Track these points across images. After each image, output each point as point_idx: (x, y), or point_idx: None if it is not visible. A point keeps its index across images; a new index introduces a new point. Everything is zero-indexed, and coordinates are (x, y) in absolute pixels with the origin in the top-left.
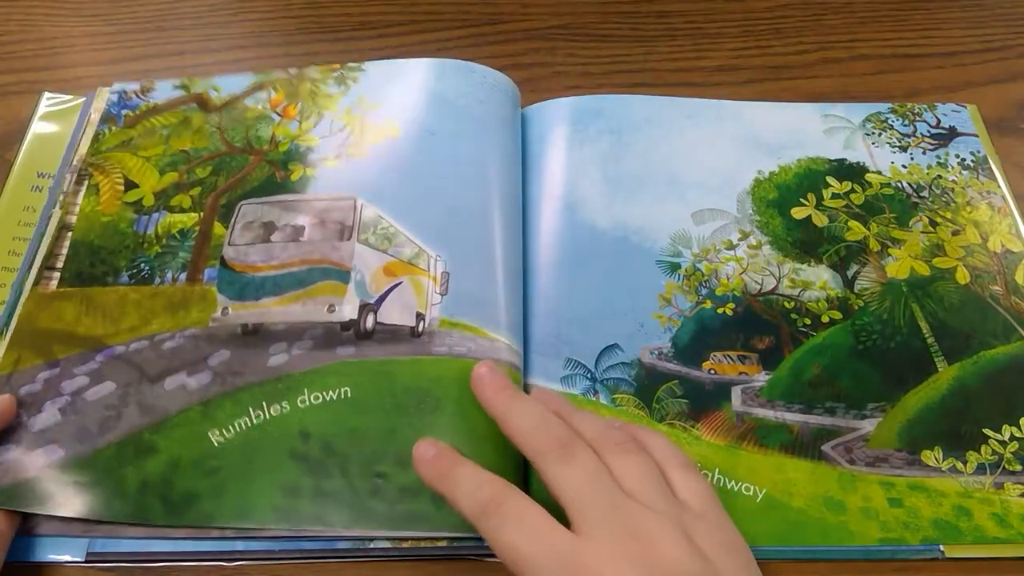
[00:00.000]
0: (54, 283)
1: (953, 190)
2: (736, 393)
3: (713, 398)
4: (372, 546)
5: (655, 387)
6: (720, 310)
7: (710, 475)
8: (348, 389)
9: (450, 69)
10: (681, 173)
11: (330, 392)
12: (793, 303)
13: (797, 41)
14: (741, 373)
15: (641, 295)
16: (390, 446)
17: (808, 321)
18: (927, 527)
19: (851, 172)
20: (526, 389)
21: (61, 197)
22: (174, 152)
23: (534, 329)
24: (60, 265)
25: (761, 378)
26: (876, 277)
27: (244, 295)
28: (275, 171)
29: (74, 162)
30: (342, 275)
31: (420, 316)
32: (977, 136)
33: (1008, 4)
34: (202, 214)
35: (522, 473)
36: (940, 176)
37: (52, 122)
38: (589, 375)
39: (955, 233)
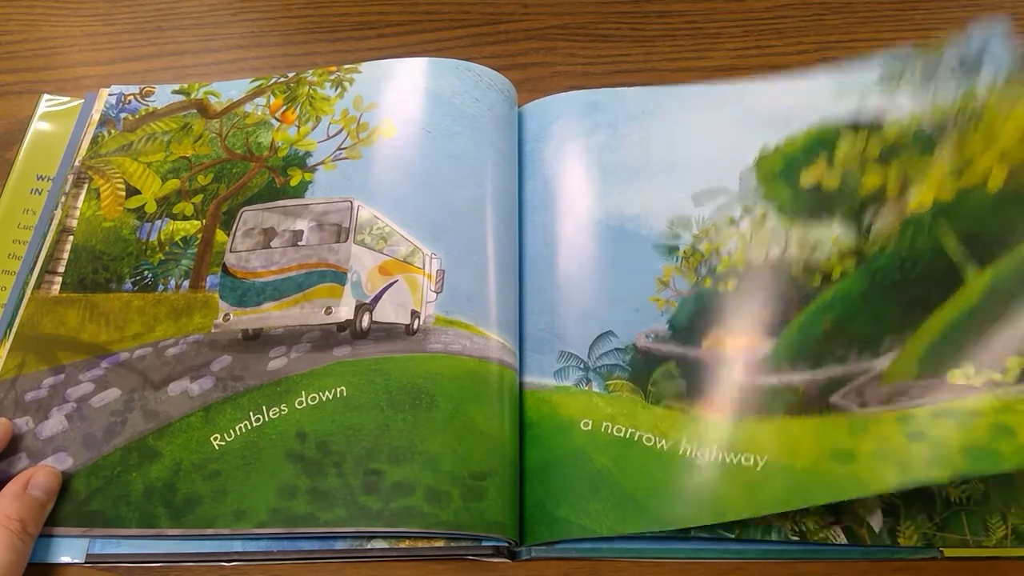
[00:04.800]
0: (56, 287)
1: (984, 107)
2: (738, 367)
3: (712, 375)
4: (370, 546)
5: (650, 370)
6: (720, 287)
7: (708, 452)
8: (344, 388)
9: (445, 68)
10: (679, 159)
11: (326, 392)
12: (803, 265)
13: (797, 41)
14: (744, 348)
15: (638, 281)
16: (384, 443)
17: (818, 280)
18: (957, 459)
19: (868, 127)
20: (521, 387)
21: (62, 199)
22: (175, 158)
23: (528, 326)
24: (61, 269)
25: (765, 348)
26: (895, 217)
27: (245, 301)
28: (275, 177)
29: (75, 164)
30: (339, 277)
31: (415, 314)
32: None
33: (1008, 4)
34: (204, 221)
35: (517, 471)
36: (970, 99)
37: (51, 124)
38: (582, 365)
39: (988, 141)
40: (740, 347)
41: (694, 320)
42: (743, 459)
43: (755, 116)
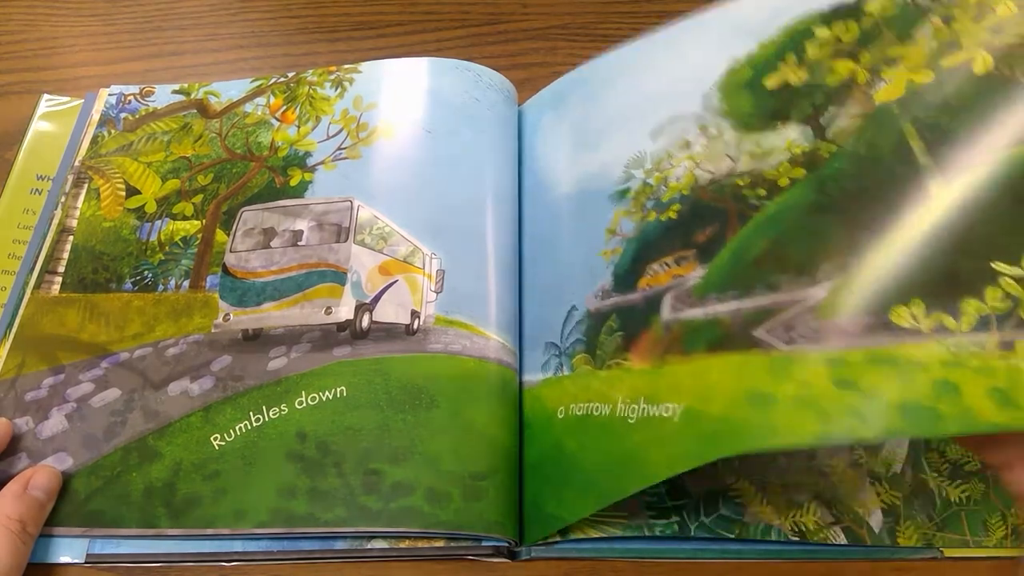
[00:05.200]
0: (56, 287)
1: None
2: (667, 302)
3: (643, 317)
4: (370, 546)
5: (598, 332)
6: (663, 216)
7: (636, 408)
8: (344, 388)
9: (445, 68)
10: (646, 100)
11: (326, 392)
12: (749, 179)
13: None
14: (675, 277)
15: (591, 240)
16: (384, 443)
17: (763, 192)
18: (890, 417)
19: (846, 13)
20: (521, 387)
21: (62, 199)
22: (175, 158)
23: (527, 324)
24: (61, 269)
25: (696, 275)
26: (859, 110)
27: (245, 301)
28: (275, 177)
29: (75, 164)
30: (339, 277)
31: (415, 314)
32: None
33: None
34: (204, 221)
35: (517, 471)
36: None
37: (51, 124)
38: (557, 351)
39: (979, 18)
40: (671, 279)
41: (634, 262)
42: (662, 410)
43: (729, 32)
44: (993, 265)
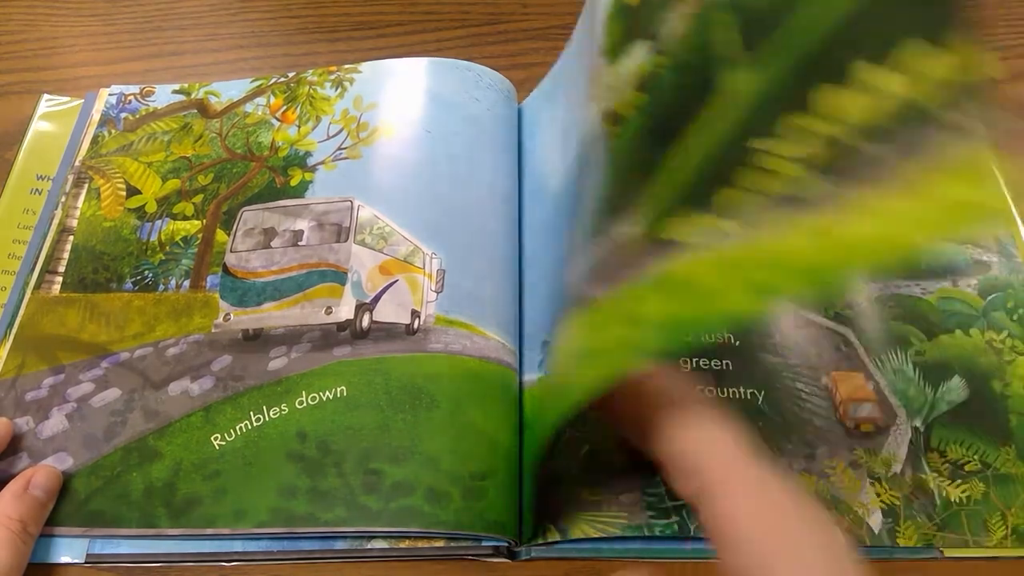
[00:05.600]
0: (56, 287)
1: None
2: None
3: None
4: (370, 546)
5: None
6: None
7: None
8: (344, 388)
9: (445, 68)
10: (589, 64)
11: (327, 392)
12: (610, 121)
13: None
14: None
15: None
16: (384, 443)
17: (619, 131)
18: (654, 336)
19: None
20: (521, 387)
21: (62, 199)
22: (176, 158)
23: (528, 324)
24: (61, 269)
25: (575, 240)
26: (689, 9)
27: (245, 301)
28: (275, 177)
29: (75, 164)
30: (339, 276)
31: (416, 313)
32: None
33: (1008, 4)
34: (204, 221)
35: (517, 471)
36: None
37: (51, 124)
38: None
39: None
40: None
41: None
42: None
43: None
44: (752, 144)
